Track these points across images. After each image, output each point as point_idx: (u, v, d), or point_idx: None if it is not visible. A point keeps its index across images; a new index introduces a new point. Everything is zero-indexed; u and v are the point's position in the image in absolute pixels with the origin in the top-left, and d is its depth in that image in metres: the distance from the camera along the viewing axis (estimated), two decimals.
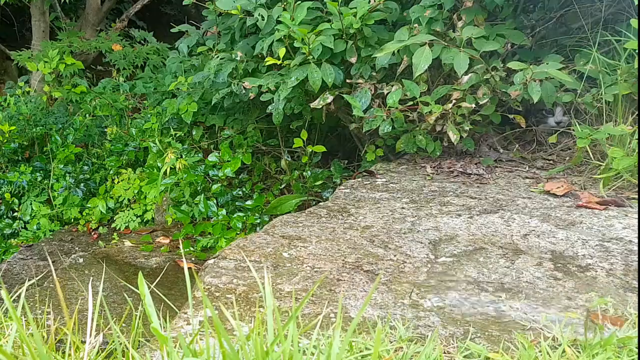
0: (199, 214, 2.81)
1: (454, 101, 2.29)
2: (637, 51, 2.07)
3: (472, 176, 2.38)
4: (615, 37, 2.21)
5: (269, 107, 2.61)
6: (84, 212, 3.25)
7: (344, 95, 2.42)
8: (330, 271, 1.54)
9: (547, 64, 2.18)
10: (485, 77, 2.27)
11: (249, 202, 2.82)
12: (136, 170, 3.23)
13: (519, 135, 2.65)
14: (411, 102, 2.37)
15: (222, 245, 2.56)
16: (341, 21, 2.41)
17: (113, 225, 3.14)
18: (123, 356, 1.02)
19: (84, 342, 1.11)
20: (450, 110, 2.30)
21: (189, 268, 1.07)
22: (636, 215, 1.86)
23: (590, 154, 2.17)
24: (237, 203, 2.90)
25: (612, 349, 1.12)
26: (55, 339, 1.29)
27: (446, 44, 2.27)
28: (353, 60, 2.46)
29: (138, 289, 1.01)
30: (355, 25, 2.40)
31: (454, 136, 2.30)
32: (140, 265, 2.64)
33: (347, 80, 2.50)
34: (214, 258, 1.63)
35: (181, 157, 2.85)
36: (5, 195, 3.32)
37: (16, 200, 3.35)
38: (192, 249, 2.72)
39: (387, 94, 2.36)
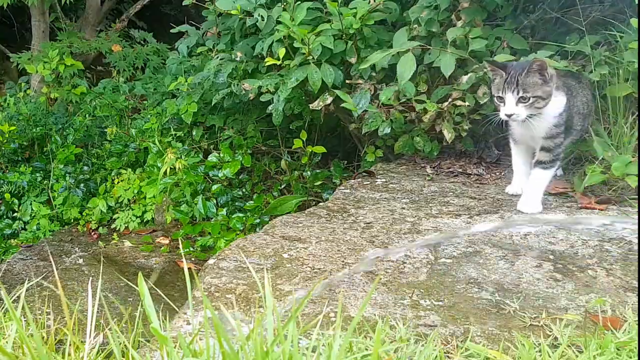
0: (199, 215, 2.81)
1: (450, 100, 2.29)
2: (637, 51, 2.07)
3: (471, 176, 2.38)
4: (615, 38, 2.21)
5: (269, 108, 2.61)
6: (84, 212, 3.25)
7: (338, 92, 2.40)
8: (330, 271, 1.54)
9: (535, 53, 2.16)
10: (486, 76, 2.27)
11: (249, 203, 2.82)
12: (136, 170, 3.23)
13: None
14: (408, 101, 2.37)
15: (221, 246, 2.56)
16: (341, 21, 2.41)
17: (113, 225, 3.14)
18: (123, 356, 1.02)
19: (83, 342, 1.11)
20: (446, 109, 2.30)
21: (189, 268, 1.07)
22: (636, 215, 1.86)
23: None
24: (237, 203, 2.90)
25: (611, 349, 1.12)
26: (55, 339, 1.29)
27: (440, 45, 2.28)
28: (353, 60, 2.46)
29: (138, 289, 1.01)
30: (355, 25, 2.39)
31: (448, 134, 2.30)
32: (140, 265, 2.64)
33: (347, 81, 2.50)
34: (214, 258, 1.63)
35: (181, 157, 2.85)
36: (5, 196, 3.32)
37: (16, 201, 3.34)
38: (191, 249, 2.73)
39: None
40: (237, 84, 2.65)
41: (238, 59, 2.74)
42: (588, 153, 2.17)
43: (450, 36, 2.25)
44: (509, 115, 1.82)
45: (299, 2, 2.48)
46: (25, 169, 3.40)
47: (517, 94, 1.79)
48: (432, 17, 2.35)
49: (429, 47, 2.28)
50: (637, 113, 2.17)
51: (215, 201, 2.88)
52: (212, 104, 2.90)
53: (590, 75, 2.11)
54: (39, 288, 2.23)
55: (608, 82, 2.16)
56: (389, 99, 2.33)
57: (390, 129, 2.37)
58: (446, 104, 2.29)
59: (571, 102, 1.93)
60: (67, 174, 3.34)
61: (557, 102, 1.87)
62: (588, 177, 1.97)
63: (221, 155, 2.93)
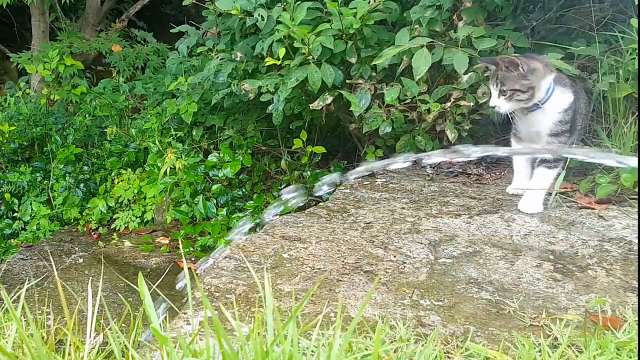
0: (199, 215, 2.81)
1: (452, 100, 2.29)
2: (637, 51, 2.07)
3: (471, 176, 2.38)
4: (615, 37, 2.20)
5: (269, 108, 2.61)
6: (84, 212, 3.25)
7: (343, 92, 2.41)
8: (330, 271, 1.54)
9: (547, 55, 2.17)
10: (485, 76, 2.27)
11: (249, 203, 2.82)
12: (136, 170, 3.23)
13: None
14: (410, 101, 2.37)
15: (221, 246, 2.55)
16: (341, 21, 2.41)
17: (113, 225, 3.14)
18: (123, 356, 1.02)
19: (83, 342, 1.11)
20: (448, 109, 2.30)
21: (189, 268, 1.07)
22: (636, 215, 1.86)
23: None
24: (237, 203, 2.90)
25: (611, 349, 1.12)
26: (55, 339, 1.29)
27: (444, 44, 2.27)
28: (353, 60, 2.46)
29: (138, 289, 1.01)
30: (355, 25, 2.39)
31: (451, 135, 2.30)
32: (140, 265, 2.64)
33: (347, 81, 2.50)
34: (213, 258, 1.63)
35: (181, 157, 2.85)
36: (5, 196, 3.32)
37: (16, 201, 3.34)
38: (191, 249, 2.72)
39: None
40: (237, 84, 2.65)
41: (238, 59, 2.73)
42: None
43: (462, 34, 2.25)
44: (493, 107, 1.94)
45: (299, 2, 2.48)
46: (25, 169, 3.40)
47: (497, 87, 1.90)
48: (434, 17, 2.35)
49: (441, 43, 2.27)
50: (637, 113, 2.17)
51: (215, 201, 2.88)
52: (212, 104, 2.90)
53: (598, 85, 2.14)
54: (38, 288, 2.23)
55: (608, 83, 2.17)
56: (394, 100, 2.33)
57: (391, 128, 2.37)
58: (449, 104, 2.29)
59: (577, 103, 1.95)
60: (67, 174, 3.34)
61: (564, 98, 1.90)
62: (598, 190, 1.98)
63: (221, 155, 2.93)
